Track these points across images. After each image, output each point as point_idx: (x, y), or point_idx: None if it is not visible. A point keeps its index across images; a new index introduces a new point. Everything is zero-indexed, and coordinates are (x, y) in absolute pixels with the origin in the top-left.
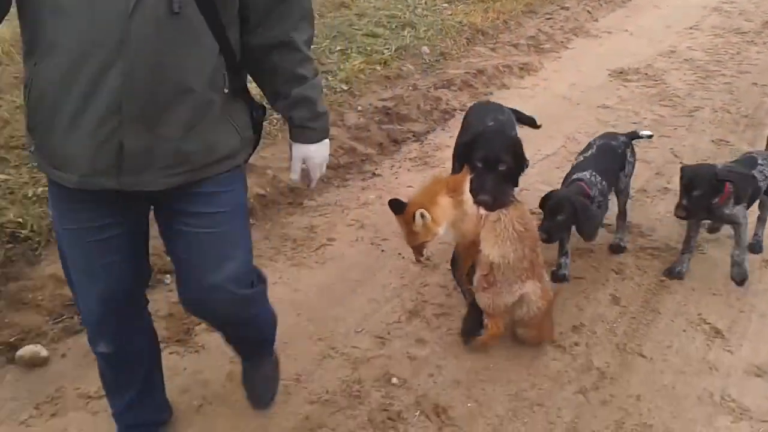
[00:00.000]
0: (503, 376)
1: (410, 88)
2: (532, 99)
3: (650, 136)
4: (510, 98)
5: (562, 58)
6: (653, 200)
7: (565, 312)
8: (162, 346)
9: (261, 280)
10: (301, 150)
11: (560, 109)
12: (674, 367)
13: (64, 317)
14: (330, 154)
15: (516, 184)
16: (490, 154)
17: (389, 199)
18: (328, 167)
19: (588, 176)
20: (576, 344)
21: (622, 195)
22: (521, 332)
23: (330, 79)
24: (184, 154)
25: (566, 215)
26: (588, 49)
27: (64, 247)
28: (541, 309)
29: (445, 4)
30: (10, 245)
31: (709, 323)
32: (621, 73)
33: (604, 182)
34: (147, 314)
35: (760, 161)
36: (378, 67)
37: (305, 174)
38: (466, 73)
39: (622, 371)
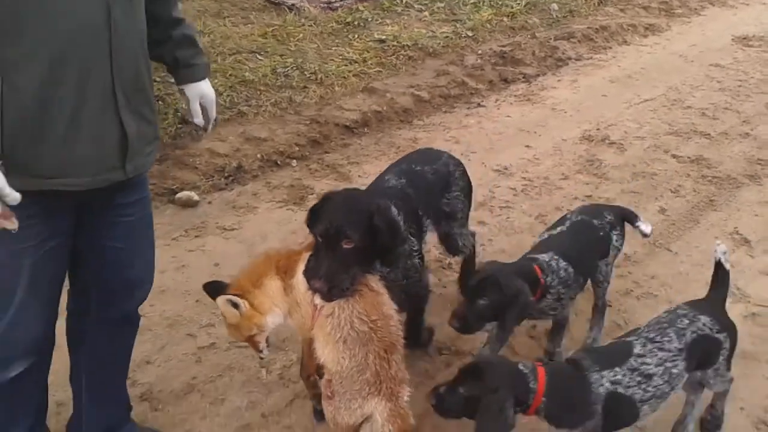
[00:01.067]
0: None
1: (529, 36)
2: (648, 55)
3: (647, 235)
4: (627, 53)
5: (691, 23)
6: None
7: None
8: (281, 205)
9: None
10: (194, 89)
11: (672, 64)
12: (694, 260)
13: (214, 178)
14: (441, 86)
15: (387, 264)
16: (330, 227)
17: (204, 283)
18: (439, 96)
19: (547, 259)
20: None
21: (601, 286)
22: None
23: (458, 26)
24: (156, 136)
25: (490, 301)
26: (719, 16)
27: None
28: None
29: None
30: (181, 125)
31: (741, 234)
32: (744, 38)
33: (570, 270)
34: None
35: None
36: (505, 19)
37: (204, 112)
38: (588, 28)
39: (646, 258)
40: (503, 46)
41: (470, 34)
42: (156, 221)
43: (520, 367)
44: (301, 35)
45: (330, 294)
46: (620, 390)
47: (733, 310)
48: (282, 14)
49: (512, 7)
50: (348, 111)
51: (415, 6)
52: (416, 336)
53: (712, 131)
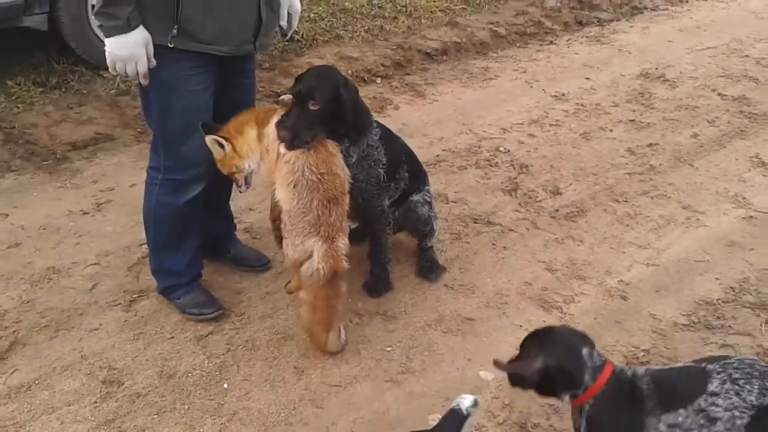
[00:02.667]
0: None
1: None
2: (722, 11)
3: None
4: (702, 7)
5: None
6: None
7: None
8: None
9: None
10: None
11: (743, 19)
12: (711, 174)
13: None
14: (518, 24)
15: (351, 140)
16: (302, 89)
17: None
18: (515, 33)
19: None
20: (642, 145)
21: None
22: (301, 296)
23: None
24: (276, 25)
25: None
26: None
27: (178, 105)
28: (321, 274)
29: None
30: (287, 43)
31: (760, 158)
32: None
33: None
34: None
35: None
36: None
37: (290, 19)
38: None
39: (669, 170)
40: None
41: None
42: None
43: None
44: None
45: (292, 143)
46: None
47: (735, 213)
48: None
49: None
50: (430, 40)
51: None
52: (377, 256)
53: (761, 77)
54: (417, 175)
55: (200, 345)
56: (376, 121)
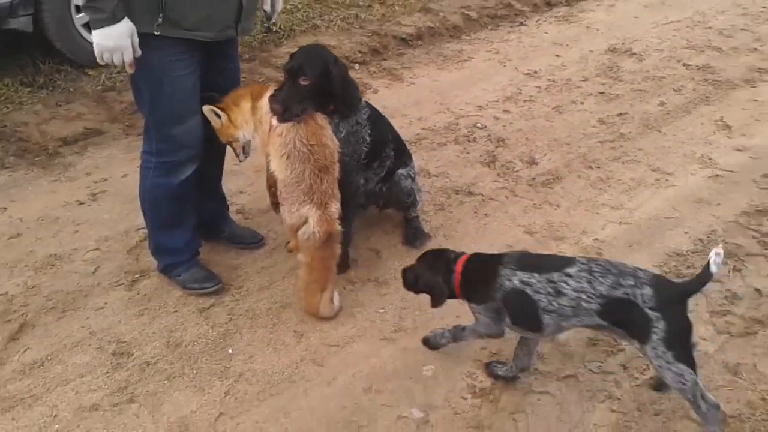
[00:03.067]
0: None
1: None
2: None
3: None
4: None
5: None
6: None
7: None
8: None
9: None
10: None
11: None
12: (678, 138)
13: None
14: (489, 7)
15: (341, 114)
16: (294, 65)
17: (203, 95)
18: (486, 16)
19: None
20: (612, 115)
21: None
22: (299, 258)
23: None
24: (255, 11)
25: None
26: None
27: (166, 89)
28: (317, 237)
29: None
30: (266, 34)
31: (725, 122)
32: None
33: None
34: None
35: None
36: None
37: (273, 5)
38: None
39: (638, 136)
40: None
41: None
42: None
43: (450, 255)
44: None
45: (283, 116)
46: (527, 291)
47: (702, 173)
48: None
49: None
50: (405, 26)
51: None
52: (346, 227)
53: (724, 46)
54: (402, 153)
55: (203, 316)
56: (366, 102)
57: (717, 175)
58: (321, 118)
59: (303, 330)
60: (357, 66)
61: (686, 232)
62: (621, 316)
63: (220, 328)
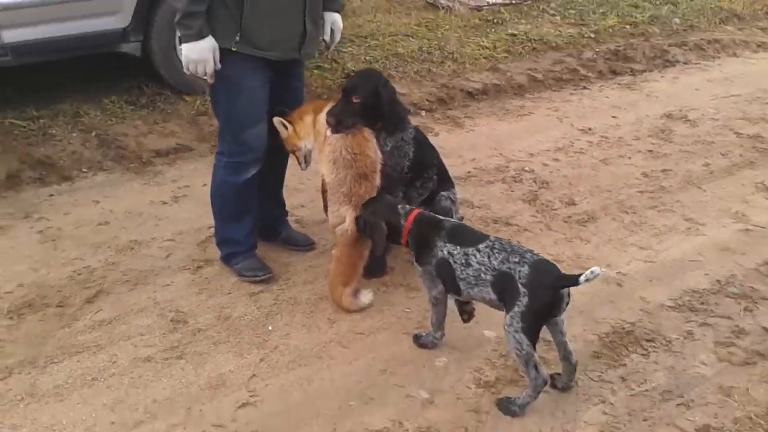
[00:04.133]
0: None
1: (643, 40)
2: (752, 66)
3: None
4: (733, 63)
5: None
6: None
7: None
8: None
9: None
10: (330, 17)
11: None
12: (717, 195)
13: None
14: (555, 71)
15: (384, 130)
16: (349, 85)
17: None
18: (551, 78)
19: None
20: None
21: None
22: (332, 252)
23: (583, 29)
24: (318, 37)
25: None
26: None
27: (240, 98)
28: (348, 234)
29: None
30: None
31: (766, 185)
32: None
33: None
34: None
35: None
36: (628, 27)
37: (332, 35)
38: (702, 39)
39: (678, 190)
40: (619, 46)
41: (593, 35)
42: None
43: (399, 209)
44: (448, 27)
45: (335, 128)
46: (450, 261)
47: (733, 226)
48: (436, 12)
49: (636, 18)
50: (473, 82)
51: (550, 11)
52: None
53: None
54: (445, 180)
55: (252, 299)
56: (415, 126)
57: (748, 230)
58: (367, 132)
59: (336, 318)
60: (423, 113)
61: (706, 274)
62: (502, 288)
63: (264, 309)
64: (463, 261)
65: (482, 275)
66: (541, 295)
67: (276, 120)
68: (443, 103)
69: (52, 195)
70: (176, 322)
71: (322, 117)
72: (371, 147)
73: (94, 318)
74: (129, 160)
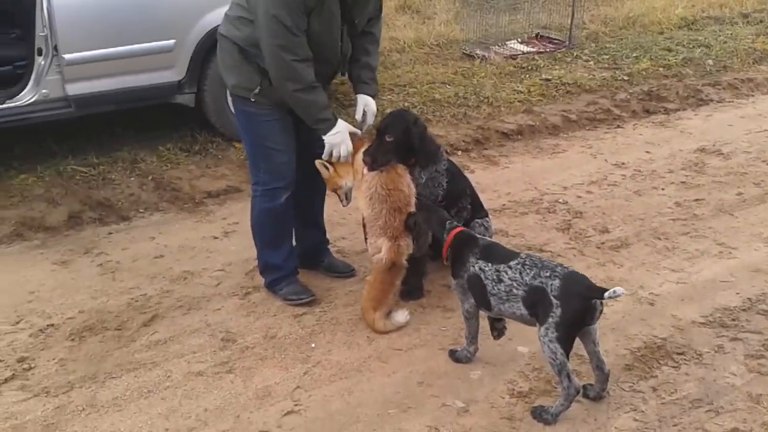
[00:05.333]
0: None
1: (677, 81)
2: None
3: None
4: (766, 101)
5: None
6: None
7: None
8: None
9: None
10: (363, 99)
11: None
12: (749, 221)
13: None
14: (589, 111)
15: (418, 164)
16: (381, 125)
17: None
18: (585, 119)
19: None
20: (689, 200)
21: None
22: (367, 278)
23: (617, 72)
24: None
25: None
26: None
27: (264, 126)
28: (383, 262)
29: (750, 36)
30: None
31: None
32: None
33: None
34: None
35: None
36: (661, 69)
37: (364, 116)
38: (736, 78)
39: (710, 218)
40: (653, 87)
41: (626, 78)
42: None
43: (447, 223)
44: (483, 74)
45: (371, 166)
46: (481, 276)
47: (765, 249)
48: (472, 62)
49: (669, 60)
50: (508, 123)
51: (583, 57)
52: (417, 266)
53: None
54: (479, 209)
55: (296, 320)
56: (448, 159)
57: None
58: (401, 168)
59: (375, 337)
60: (459, 152)
61: (737, 293)
62: (534, 301)
63: (308, 329)
64: (495, 277)
65: (514, 290)
66: (573, 305)
67: (318, 162)
68: (479, 144)
69: (110, 233)
70: (226, 341)
71: (359, 156)
72: (404, 182)
73: (150, 339)
74: (183, 201)
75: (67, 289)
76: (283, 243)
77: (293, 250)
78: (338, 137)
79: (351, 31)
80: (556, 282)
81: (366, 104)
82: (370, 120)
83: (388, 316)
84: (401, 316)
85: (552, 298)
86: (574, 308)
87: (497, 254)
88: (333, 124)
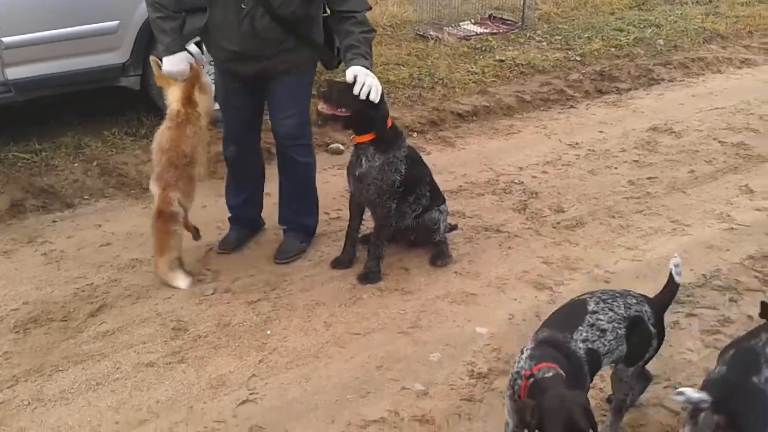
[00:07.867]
0: None
1: (628, 60)
2: (736, 81)
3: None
4: (717, 79)
5: None
6: None
7: None
8: None
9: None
10: (350, 70)
11: (755, 87)
12: (701, 198)
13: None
14: (543, 92)
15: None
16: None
17: None
18: (539, 99)
19: None
20: (642, 178)
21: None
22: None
23: (569, 53)
24: None
25: None
26: None
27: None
28: (152, 210)
29: (700, 15)
30: None
31: (749, 187)
32: None
33: None
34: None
35: None
36: (612, 49)
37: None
38: (686, 58)
39: (663, 195)
40: (605, 67)
41: (578, 58)
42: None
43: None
44: (437, 55)
45: (326, 97)
46: (590, 346)
47: (718, 226)
48: (426, 43)
49: (621, 41)
50: (463, 105)
51: (536, 38)
52: (374, 249)
53: (762, 129)
54: (437, 196)
55: (251, 307)
56: (409, 145)
57: (732, 228)
58: (190, 130)
59: (332, 322)
60: (415, 134)
61: (692, 269)
62: (633, 334)
63: (263, 315)
64: (598, 333)
65: (618, 331)
66: (663, 333)
67: (152, 58)
68: (434, 125)
69: (54, 221)
70: (177, 330)
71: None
72: (187, 143)
73: (98, 329)
74: (129, 187)
75: (10, 279)
76: (236, 190)
77: (249, 204)
78: (175, 67)
79: (275, 13)
80: (647, 307)
81: (355, 73)
82: (374, 96)
83: (178, 266)
84: (182, 281)
85: (651, 327)
86: (663, 335)
87: (568, 320)
88: (173, 53)
